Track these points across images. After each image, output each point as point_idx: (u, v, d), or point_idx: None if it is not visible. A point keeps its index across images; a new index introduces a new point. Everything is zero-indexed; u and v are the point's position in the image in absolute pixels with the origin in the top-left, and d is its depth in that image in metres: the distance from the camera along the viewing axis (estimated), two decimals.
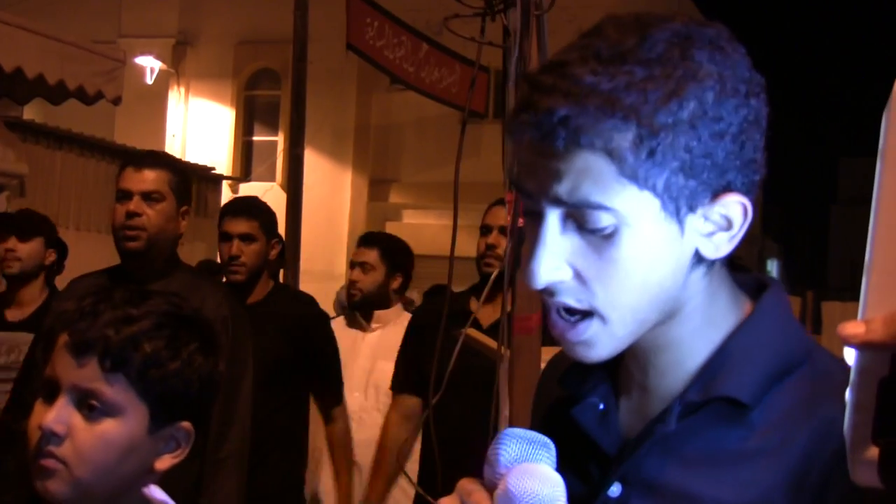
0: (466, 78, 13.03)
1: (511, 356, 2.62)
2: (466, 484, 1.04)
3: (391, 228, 18.97)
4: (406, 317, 4.86)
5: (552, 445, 1.04)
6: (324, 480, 4.85)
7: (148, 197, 3.34)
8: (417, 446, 4.35)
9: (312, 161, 16.04)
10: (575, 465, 1.21)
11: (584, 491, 1.20)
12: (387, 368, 4.66)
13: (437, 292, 5.55)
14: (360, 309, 4.93)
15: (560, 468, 1.13)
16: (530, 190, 1.09)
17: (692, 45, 1.06)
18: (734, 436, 1.11)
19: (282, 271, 6.77)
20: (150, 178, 3.37)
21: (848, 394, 0.69)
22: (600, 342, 1.11)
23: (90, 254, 4.14)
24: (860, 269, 0.68)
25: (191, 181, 3.60)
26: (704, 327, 1.16)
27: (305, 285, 8.60)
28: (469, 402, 3.04)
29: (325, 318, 4.66)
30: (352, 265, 4.91)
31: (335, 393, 4.54)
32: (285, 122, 17.30)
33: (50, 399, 1.67)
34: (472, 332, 3.01)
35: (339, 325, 4.90)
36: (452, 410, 3.16)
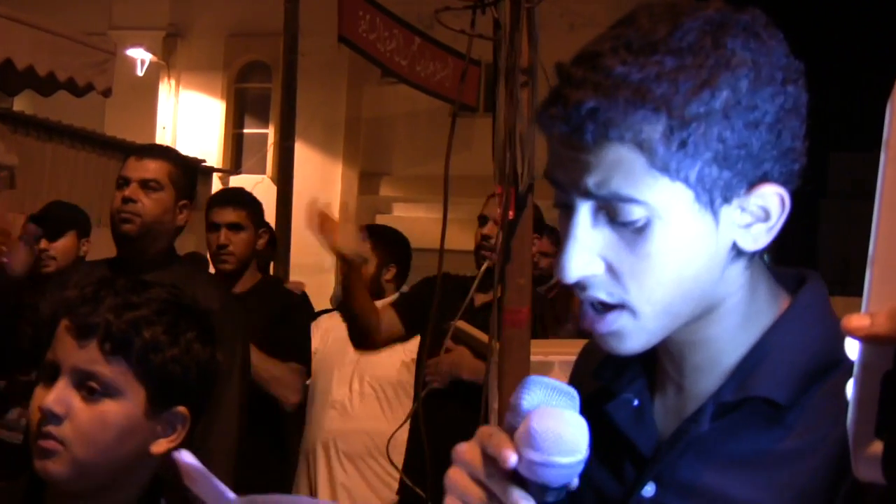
0: (458, 71, 13.02)
1: (501, 349, 2.62)
2: (486, 428, 1.03)
3: (381, 221, 18.95)
4: None
5: (576, 395, 1.02)
6: (319, 477, 4.84)
7: (146, 185, 3.36)
8: (404, 437, 4.36)
9: (303, 154, 16.01)
10: (609, 462, 1.20)
11: (619, 489, 1.18)
12: (372, 358, 4.66)
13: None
14: None
15: (594, 463, 1.10)
16: (561, 182, 1.08)
17: (725, 32, 1.04)
18: (770, 437, 1.09)
19: (272, 264, 6.76)
20: (149, 167, 3.39)
21: (851, 388, 0.69)
22: (631, 334, 1.09)
23: None
24: (850, 265, 0.68)
25: (195, 178, 3.61)
26: (743, 324, 1.14)
27: (295, 278, 8.59)
28: (458, 395, 3.05)
29: (302, 300, 4.64)
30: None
31: (293, 355, 4.28)
32: (276, 114, 17.28)
33: (50, 382, 1.70)
34: (462, 324, 3.02)
35: (334, 319, 4.88)
36: (441, 404, 3.17)
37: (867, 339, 0.66)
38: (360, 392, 4.72)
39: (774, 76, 1.05)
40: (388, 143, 19.47)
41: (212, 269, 4.39)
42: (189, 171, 3.57)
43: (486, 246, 3.97)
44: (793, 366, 1.09)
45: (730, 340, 1.13)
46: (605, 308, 1.09)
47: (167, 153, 3.60)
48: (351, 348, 4.79)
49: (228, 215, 4.21)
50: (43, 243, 4.80)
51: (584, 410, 1.03)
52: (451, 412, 3.38)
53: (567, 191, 1.08)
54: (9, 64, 6.56)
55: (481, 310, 3.40)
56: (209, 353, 1.80)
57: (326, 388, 4.80)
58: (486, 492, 1.02)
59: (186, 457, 1.05)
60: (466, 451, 1.04)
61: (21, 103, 13.34)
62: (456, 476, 1.04)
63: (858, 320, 0.66)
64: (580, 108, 1.02)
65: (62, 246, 4.81)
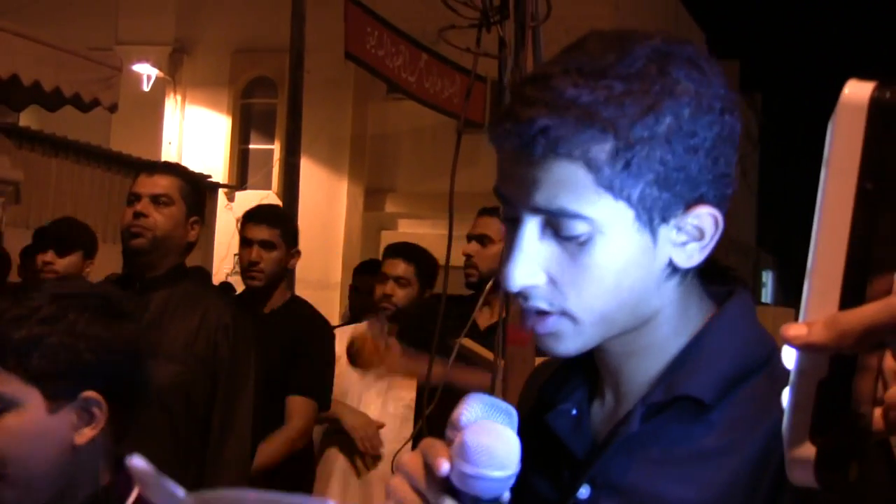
0: (466, 88, 13.04)
1: (505, 366, 2.63)
2: (428, 440, 1.07)
3: (386, 238, 18.97)
4: None
5: (514, 413, 1.06)
6: (333, 494, 4.81)
7: (157, 200, 3.38)
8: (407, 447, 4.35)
9: (308, 170, 16.03)
10: (549, 470, 1.25)
11: (556, 495, 1.23)
12: (405, 381, 4.65)
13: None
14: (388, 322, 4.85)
15: (534, 472, 1.19)
16: (509, 197, 1.13)
17: (670, 61, 1.10)
18: (696, 435, 1.15)
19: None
20: (160, 183, 3.42)
21: (787, 394, 0.71)
22: (568, 337, 1.15)
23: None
24: None
25: (204, 194, 3.62)
26: (673, 335, 1.20)
27: (300, 293, 8.57)
28: None
29: (322, 325, 4.62)
30: (384, 277, 4.76)
31: (304, 389, 4.31)
32: (281, 130, 17.32)
33: None
34: (467, 341, 3.02)
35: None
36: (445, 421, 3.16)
37: (804, 348, 0.69)
38: (394, 414, 4.71)
39: (713, 105, 1.11)
40: (394, 159, 19.50)
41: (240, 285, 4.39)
42: (198, 188, 3.59)
43: (469, 264, 3.97)
44: (718, 368, 1.16)
45: (662, 349, 1.20)
46: (545, 313, 1.15)
47: (177, 169, 3.62)
48: (375, 383, 4.76)
49: (262, 233, 4.24)
50: (49, 256, 4.81)
51: (528, 422, 1.09)
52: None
53: (514, 206, 1.13)
54: (15, 79, 6.58)
55: (486, 333, 3.41)
56: (111, 331, 1.75)
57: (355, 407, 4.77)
58: (423, 499, 1.06)
59: (137, 461, 1.05)
60: (409, 460, 1.08)
61: (27, 118, 13.38)
62: (396, 483, 1.09)
63: (796, 329, 0.69)
64: (532, 124, 1.07)
65: (67, 263, 4.81)
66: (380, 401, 4.76)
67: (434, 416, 2.73)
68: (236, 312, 3.50)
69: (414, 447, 3.31)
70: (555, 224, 1.11)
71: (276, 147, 19.67)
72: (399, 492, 1.08)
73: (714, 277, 1.25)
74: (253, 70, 20.25)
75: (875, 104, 0.68)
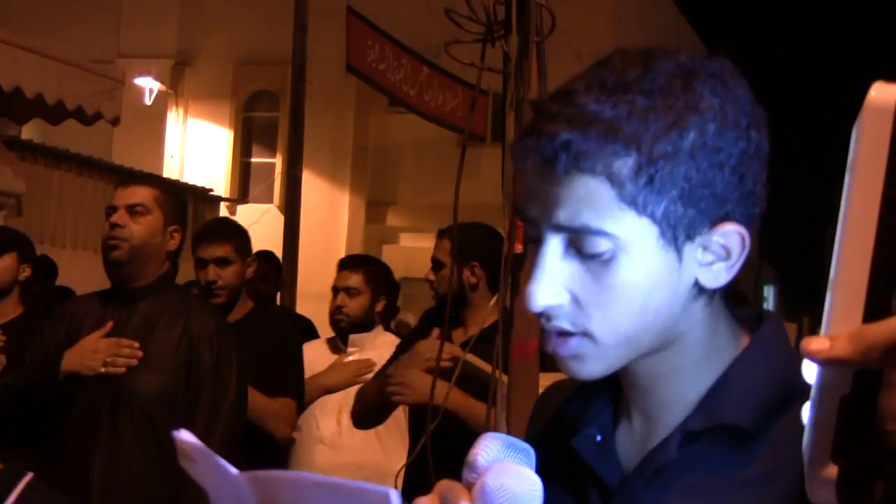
0: (468, 101, 13.07)
1: (509, 381, 2.62)
2: (445, 482, 1.04)
3: (388, 251, 18.97)
4: (385, 338, 4.83)
5: (532, 452, 1.03)
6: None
7: (132, 210, 3.38)
8: (393, 469, 4.36)
9: (310, 182, 16.02)
10: (576, 496, 1.22)
11: None
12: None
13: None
14: (345, 334, 4.85)
15: (559, 496, 1.15)
16: (532, 216, 1.11)
17: (695, 77, 1.08)
18: (736, 463, 1.12)
19: (279, 293, 6.76)
20: (136, 193, 3.42)
21: (808, 411, 0.69)
22: (591, 359, 1.12)
23: (87, 273, 4.14)
24: None
25: (184, 202, 3.62)
26: (705, 358, 1.16)
27: (303, 306, 8.59)
28: (464, 428, 3.03)
29: (296, 330, 4.64)
30: (335, 291, 4.80)
31: (286, 390, 4.27)
32: (283, 143, 17.35)
33: None
34: (470, 356, 3.01)
35: (322, 348, 4.86)
36: (447, 437, 3.15)
37: (826, 363, 0.67)
38: (350, 426, 4.69)
39: (739, 121, 1.09)
40: (395, 171, 19.52)
41: None
42: (177, 196, 3.59)
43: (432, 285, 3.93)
44: (757, 395, 1.13)
45: (693, 373, 1.17)
46: (568, 334, 1.12)
47: (153, 179, 3.66)
48: None
49: (215, 251, 4.22)
50: None
51: (547, 443, 1.07)
52: (454, 445, 3.35)
53: (537, 225, 1.11)
54: (18, 92, 6.59)
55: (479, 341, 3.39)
56: None
57: (310, 423, 4.73)
58: None
59: (185, 436, 1.03)
60: (426, 503, 1.05)
61: (29, 131, 13.39)
62: None
63: (818, 343, 0.67)
64: (554, 140, 1.06)
65: (2, 265, 4.84)
66: (335, 412, 4.72)
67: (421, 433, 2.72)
68: (219, 322, 3.51)
69: (410, 466, 3.27)
70: (578, 242, 1.09)
71: (277, 160, 19.70)
72: None
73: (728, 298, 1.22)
74: (255, 83, 20.28)
75: None
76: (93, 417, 3.27)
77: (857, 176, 0.67)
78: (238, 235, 4.35)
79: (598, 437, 1.21)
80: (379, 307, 4.86)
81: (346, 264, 4.87)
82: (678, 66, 1.09)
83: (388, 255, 18.98)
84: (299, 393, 4.35)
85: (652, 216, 1.07)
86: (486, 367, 2.97)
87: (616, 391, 1.23)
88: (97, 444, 3.25)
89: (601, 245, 1.07)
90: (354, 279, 4.73)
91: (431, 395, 2.65)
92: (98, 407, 3.27)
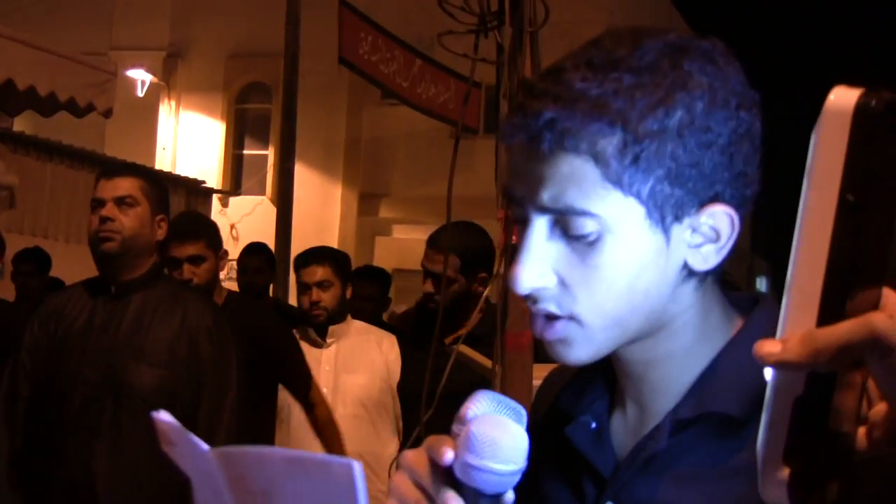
0: (461, 94, 13.06)
1: (502, 373, 2.62)
2: (433, 437, 1.04)
3: (381, 243, 18.99)
4: (356, 325, 4.89)
5: (524, 412, 1.03)
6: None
7: (121, 202, 3.37)
8: (388, 455, 4.46)
9: (302, 175, 16.03)
10: (569, 483, 1.22)
11: None
12: (351, 381, 4.72)
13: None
14: (323, 328, 4.86)
15: (554, 483, 1.16)
16: (518, 196, 1.10)
17: (684, 55, 1.07)
18: (726, 451, 1.11)
19: (271, 285, 6.75)
20: (122, 185, 3.40)
21: (763, 413, 0.69)
22: (578, 343, 1.11)
23: (79, 266, 4.11)
24: None
25: (166, 191, 3.61)
26: (697, 343, 1.15)
27: (295, 298, 8.55)
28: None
29: (280, 324, 4.71)
30: (305, 287, 4.79)
31: (306, 382, 4.57)
32: (276, 135, 17.30)
33: None
34: (465, 348, 3.01)
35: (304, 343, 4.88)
36: (443, 428, 3.15)
37: (778, 365, 0.67)
38: (344, 414, 4.71)
39: (729, 101, 1.07)
40: (388, 164, 19.50)
41: None
42: (161, 186, 3.58)
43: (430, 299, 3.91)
44: (748, 382, 1.09)
45: (685, 358, 1.15)
46: (555, 318, 1.11)
47: (137, 170, 3.63)
48: (322, 372, 4.77)
49: (187, 249, 4.24)
50: None
51: (544, 431, 1.06)
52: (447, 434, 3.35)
53: (524, 205, 1.10)
54: (10, 84, 6.56)
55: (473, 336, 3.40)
56: None
57: (304, 417, 4.77)
58: (425, 495, 1.03)
59: (163, 416, 1.03)
60: (412, 456, 1.05)
61: (21, 123, 13.36)
62: (398, 480, 1.06)
63: (770, 346, 0.67)
64: (539, 117, 1.05)
65: None
66: (335, 405, 4.76)
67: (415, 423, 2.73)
68: (216, 314, 3.51)
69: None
70: (563, 223, 1.08)
71: (270, 152, 19.67)
72: (401, 488, 1.05)
73: (729, 285, 1.21)
74: (247, 75, 20.25)
75: (860, 112, 0.65)
76: (95, 411, 3.27)
77: (814, 180, 0.67)
78: (208, 230, 4.39)
79: (593, 425, 1.21)
80: (348, 294, 4.88)
81: (311, 259, 4.84)
82: (667, 45, 1.08)
83: (381, 247, 18.98)
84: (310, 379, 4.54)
85: (638, 196, 1.06)
86: (481, 360, 2.97)
87: (612, 379, 1.23)
88: (100, 438, 3.25)
89: (587, 226, 1.07)
90: (323, 272, 4.74)
91: (426, 385, 2.65)
92: (100, 401, 3.27)
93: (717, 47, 1.10)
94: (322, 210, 18.97)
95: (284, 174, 13.61)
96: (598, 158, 1.05)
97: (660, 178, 1.06)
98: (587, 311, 1.09)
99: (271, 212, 15.16)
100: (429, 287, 3.88)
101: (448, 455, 1.00)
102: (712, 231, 1.10)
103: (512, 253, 2.57)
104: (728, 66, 1.09)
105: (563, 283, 1.09)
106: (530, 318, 1.15)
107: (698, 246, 1.10)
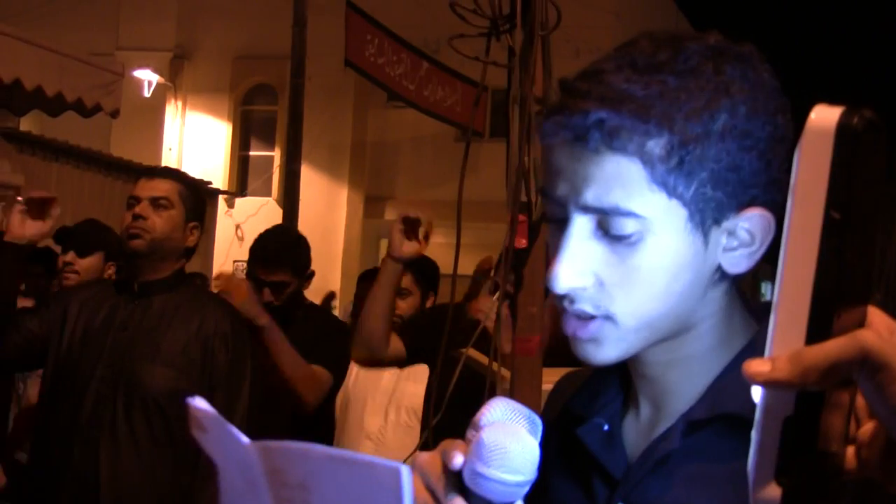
0: (468, 97, 13.06)
1: (511, 378, 2.61)
2: (448, 440, 1.04)
3: (386, 246, 18.98)
4: None
5: (539, 422, 1.02)
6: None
7: (156, 202, 3.39)
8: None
9: (308, 177, 16.04)
10: (581, 484, 1.21)
11: None
12: (410, 390, 4.66)
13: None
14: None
15: (566, 485, 1.16)
16: (558, 195, 1.10)
17: (725, 60, 1.08)
18: (738, 453, 1.09)
19: None
20: (160, 186, 3.43)
21: (753, 432, 0.70)
22: (610, 343, 1.11)
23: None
24: None
25: (204, 202, 3.62)
26: (718, 346, 1.16)
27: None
28: (467, 422, 3.01)
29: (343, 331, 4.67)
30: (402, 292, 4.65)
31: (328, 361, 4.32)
32: (282, 137, 17.34)
33: None
34: (472, 351, 3.01)
35: None
36: (450, 432, 3.14)
37: (767, 384, 0.67)
38: (397, 422, 4.69)
39: (767, 106, 1.08)
40: (394, 166, 19.51)
41: None
42: (199, 194, 3.60)
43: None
44: None
45: (704, 361, 1.16)
46: (589, 317, 1.11)
47: (177, 174, 3.65)
48: (384, 378, 4.74)
49: (272, 276, 4.26)
50: (70, 256, 4.81)
51: (556, 434, 1.06)
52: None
53: (564, 205, 1.10)
54: (17, 84, 6.57)
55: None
56: None
57: (358, 418, 4.76)
58: (434, 498, 1.02)
59: (199, 402, 1.02)
60: (426, 458, 1.05)
61: (27, 123, 13.38)
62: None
63: (759, 365, 0.67)
64: (586, 116, 1.05)
65: (87, 264, 4.79)
66: (388, 410, 4.73)
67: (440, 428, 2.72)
68: (235, 320, 3.50)
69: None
70: (605, 223, 1.08)
71: (276, 154, 19.68)
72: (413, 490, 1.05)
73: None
74: (253, 77, 20.27)
75: (842, 130, 0.65)
76: (106, 408, 3.27)
77: (798, 198, 0.67)
78: (294, 254, 4.38)
79: (605, 427, 1.21)
80: (428, 304, 4.83)
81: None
82: (708, 49, 1.09)
83: (387, 250, 18.99)
84: (338, 369, 4.36)
85: (681, 198, 1.07)
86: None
87: (625, 382, 1.23)
88: (110, 435, 3.25)
89: (629, 226, 1.07)
90: (405, 280, 4.61)
91: (433, 390, 2.64)
92: (112, 398, 3.27)
93: (754, 53, 1.11)
94: (328, 212, 18.97)
95: (290, 176, 13.63)
96: (645, 160, 1.05)
97: (703, 182, 1.07)
98: (623, 312, 1.10)
99: (277, 213, 15.18)
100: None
101: (457, 460, 0.99)
102: (748, 235, 1.11)
103: (518, 256, 2.56)
104: (764, 71, 1.11)
105: (600, 282, 1.10)
106: (563, 317, 1.14)
107: (733, 249, 1.11)
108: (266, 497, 0.98)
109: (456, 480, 1.01)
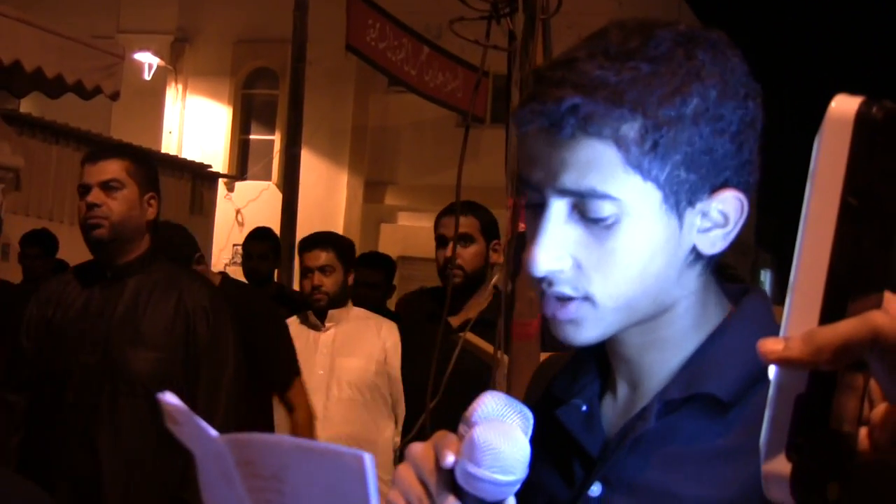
0: (469, 82, 13.04)
1: (510, 362, 2.61)
2: (441, 433, 1.05)
3: (386, 230, 18.98)
4: (356, 311, 4.91)
5: (531, 417, 1.03)
6: None
7: (106, 186, 3.32)
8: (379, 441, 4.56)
9: (309, 161, 16.03)
10: (559, 466, 1.23)
11: (568, 492, 1.21)
12: (347, 365, 4.73)
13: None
14: (324, 312, 4.87)
15: (544, 467, 1.17)
16: (535, 181, 1.12)
17: (696, 45, 1.11)
18: (713, 433, 1.13)
19: (276, 271, 6.75)
20: (107, 169, 3.35)
21: (766, 409, 0.71)
22: (589, 324, 1.14)
23: (85, 248, 4.14)
24: None
25: (154, 168, 3.54)
26: (693, 328, 1.18)
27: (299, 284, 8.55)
28: (464, 406, 3.02)
29: (273, 313, 4.73)
30: (307, 271, 4.81)
31: (288, 377, 4.61)
32: (282, 121, 17.32)
33: None
34: (471, 335, 3.01)
35: (295, 326, 4.89)
36: (447, 414, 3.15)
37: (780, 362, 0.68)
38: (339, 398, 4.73)
39: (738, 90, 1.12)
40: (394, 151, 19.49)
41: None
42: (148, 164, 3.52)
43: (453, 266, 3.92)
44: (737, 366, 1.13)
45: (680, 342, 1.19)
46: (568, 299, 1.13)
47: (121, 150, 3.57)
48: (319, 355, 4.78)
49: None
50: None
51: (536, 415, 1.06)
52: (454, 423, 3.35)
53: (541, 189, 1.12)
54: (17, 65, 6.56)
55: (457, 331, 3.40)
56: None
57: None
58: (427, 491, 1.04)
59: (170, 398, 1.03)
60: (420, 450, 1.06)
61: (27, 105, 13.37)
62: (404, 472, 1.07)
63: (773, 343, 0.68)
64: (561, 103, 1.07)
65: None
66: (329, 386, 4.79)
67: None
68: (213, 294, 3.49)
69: (408, 438, 3.28)
70: (582, 206, 1.10)
71: (276, 138, 19.67)
72: (406, 481, 1.06)
73: (722, 275, 1.24)
74: (254, 61, 20.25)
75: (861, 119, 0.67)
76: (93, 397, 3.26)
77: (817, 185, 0.68)
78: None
79: (584, 408, 1.23)
80: (350, 280, 4.89)
81: (314, 244, 4.86)
82: (679, 35, 1.11)
83: (386, 234, 18.98)
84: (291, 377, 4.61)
85: (656, 181, 1.09)
86: (487, 347, 2.96)
87: (604, 364, 1.25)
88: (100, 423, 3.24)
89: (605, 209, 1.09)
90: (326, 257, 4.76)
91: (432, 373, 2.65)
92: (98, 386, 3.26)
93: (723, 39, 1.14)
94: (328, 197, 18.97)
95: (290, 160, 13.63)
96: (620, 143, 1.07)
97: (676, 164, 1.09)
98: (602, 293, 1.12)
99: (277, 197, 15.16)
100: (446, 253, 3.92)
101: (449, 459, 1.01)
102: (721, 216, 1.14)
103: (520, 240, 2.56)
104: (734, 56, 1.13)
105: (578, 265, 1.12)
106: (541, 300, 1.16)
107: (707, 230, 1.14)
108: (240, 487, 1.00)
109: (448, 476, 1.02)
